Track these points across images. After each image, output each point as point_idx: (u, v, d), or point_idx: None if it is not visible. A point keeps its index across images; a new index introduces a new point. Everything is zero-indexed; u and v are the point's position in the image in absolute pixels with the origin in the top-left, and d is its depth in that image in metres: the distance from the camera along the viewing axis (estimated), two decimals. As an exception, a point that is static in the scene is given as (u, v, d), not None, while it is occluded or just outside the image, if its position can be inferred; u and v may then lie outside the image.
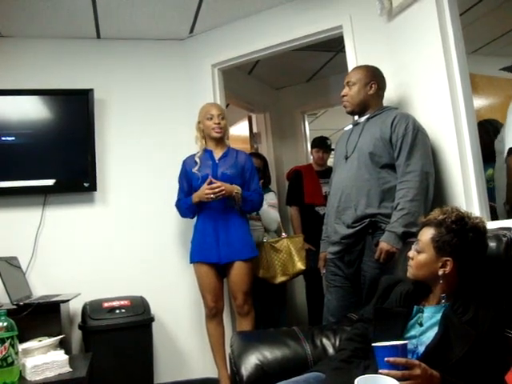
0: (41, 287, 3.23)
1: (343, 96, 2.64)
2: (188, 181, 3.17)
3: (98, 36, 3.67)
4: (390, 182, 2.43)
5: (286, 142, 5.22)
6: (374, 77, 2.63)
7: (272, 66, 4.41)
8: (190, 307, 3.55)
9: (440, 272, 1.58)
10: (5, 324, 1.95)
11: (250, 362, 1.76)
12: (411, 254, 1.67)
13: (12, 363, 1.92)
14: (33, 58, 3.56)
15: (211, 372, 3.34)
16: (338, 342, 2.03)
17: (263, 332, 2.31)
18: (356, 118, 2.75)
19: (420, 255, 1.63)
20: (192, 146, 3.32)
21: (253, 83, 4.95)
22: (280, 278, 3.40)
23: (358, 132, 2.60)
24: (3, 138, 3.33)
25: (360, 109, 2.63)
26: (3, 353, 1.90)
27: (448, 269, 1.57)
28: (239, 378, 1.74)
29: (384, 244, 2.31)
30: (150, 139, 3.67)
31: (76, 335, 3.21)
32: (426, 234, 1.63)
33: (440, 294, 1.61)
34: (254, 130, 5.14)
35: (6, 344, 1.90)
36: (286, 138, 5.23)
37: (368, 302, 2.01)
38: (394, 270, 2.08)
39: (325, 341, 2.05)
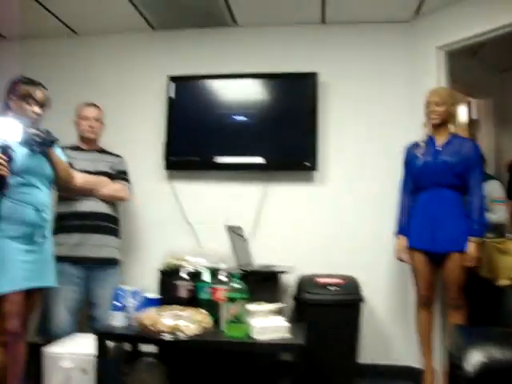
0: (260, 256, 3.47)
1: None
2: (409, 167, 3.12)
3: (323, 21, 3.77)
4: None
5: (510, 130, 4.75)
6: None
7: (500, 47, 4.02)
8: (399, 292, 3.52)
9: None
10: (238, 286, 2.18)
11: (475, 358, 1.68)
12: None
13: (242, 321, 2.15)
14: (262, 44, 3.85)
15: (413, 360, 3.29)
16: None
17: (486, 329, 2.18)
18: None
19: None
20: (411, 129, 3.26)
21: (476, 66, 4.57)
22: (504, 281, 3.14)
23: None
24: (236, 118, 3.69)
25: None
26: (236, 311, 2.14)
27: None
28: (461, 373, 1.68)
29: None
30: (369, 121, 3.68)
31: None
32: None
33: None
34: (473, 116, 4.81)
35: (239, 304, 2.14)
36: (511, 125, 4.76)
37: None
38: None
39: None
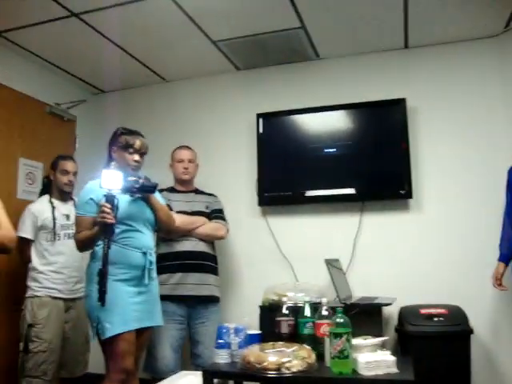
0: (357, 288, 3.43)
1: None
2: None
3: (406, 46, 3.73)
4: None
5: None
6: None
7: None
8: (509, 323, 3.30)
9: None
10: (341, 321, 2.15)
11: None
12: None
13: (347, 356, 2.10)
14: (346, 75, 3.86)
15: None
16: None
17: None
18: None
19: None
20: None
21: None
22: None
23: None
24: (326, 150, 3.70)
25: None
26: (341, 346, 2.10)
27: None
28: None
29: None
30: (464, 145, 3.54)
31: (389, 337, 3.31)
32: None
33: None
34: None
35: (344, 338, 2.10)
36: None
37: None
38: None
39: None
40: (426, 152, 3.60)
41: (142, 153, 2.62)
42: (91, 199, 2.49)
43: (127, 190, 2.41)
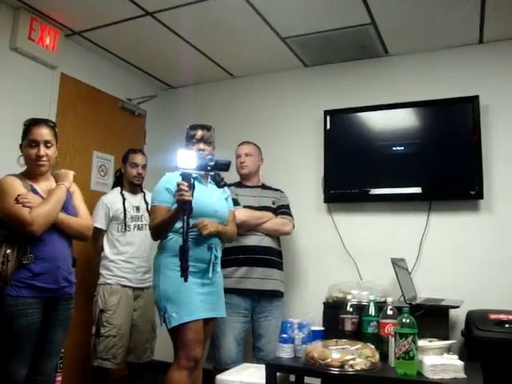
0: (423, 289, 3.36)
1: None
2: None
3: (481, 41, 3.60)
4: None
5: None
6: None
7: None
8: None
9: None
10: (408, 321, 2.12)
11: None
12: None
13: (413, 358, 2.07)
14: (416, 71, 3.78)
15: None
16: None
17: None
18: None
19: None
20: None
21: None
22: None
23: None
24: (394, 148, 3.64)
25: None
26: (406, 346, 2.07)
27: None
28: None
29: None
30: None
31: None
32: None
33: None
34: None
35: (409, 339, 2.07)
36: None
37: None
38: None
39: None
40: (498, 151, 3.46)
41: (205, 142, 2.74)
42: (167, 189, 2.58)
43: (202, 168, 2.45)
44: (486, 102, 3.49)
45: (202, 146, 2.72)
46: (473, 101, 3.45)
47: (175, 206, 2.45)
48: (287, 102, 4.17)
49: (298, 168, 4.02)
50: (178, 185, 2.35)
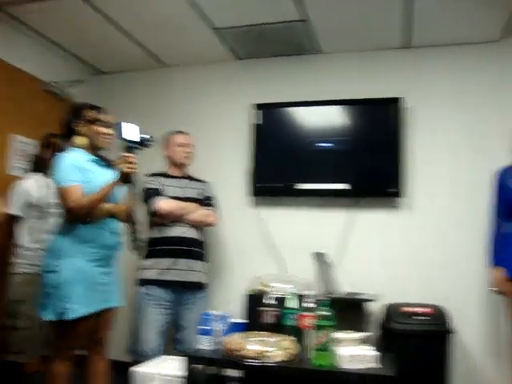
0: (343, 284, 3.41)
1: None
2: (503, 192, 2.97)
3: (408, 45, 3.72)
4: None
5: None
6: None
7: None
8: (490, 324, 3.34)
9: None
10: (326, 313, 2.15)
11: None
12: None
13: (330, 349, 2.11)
14: (345, 70, 3.86)
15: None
16: None
17: None
18: None
19: None
20: (501, 154, 3.13)
21: None
22: None
23: None
24: (321, 145, 3.70)
25: None
26: (324, 339, 2.10)
27: None
28: None
29: None
30: (457, 146, 3.57)
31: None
32: None
33: None
34: None
35: (327, 331, 2.10)
36: None
37: None
38: None
39: None
40: (420, 152, 3.61)
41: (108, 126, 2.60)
42: (76, 167, 2.44)
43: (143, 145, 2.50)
44: (412, 104, 3.62)
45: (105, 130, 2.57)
46: (397, 102, 3.57)
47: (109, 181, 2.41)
48: (217, 92, 4.14)
49: (226, 160, 4.00)
50: (125, 157, 2.36)
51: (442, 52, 3.69)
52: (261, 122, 3.86)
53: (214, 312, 2.49)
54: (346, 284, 3.40)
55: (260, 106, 3.88)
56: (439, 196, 3.55)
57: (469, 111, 3.59)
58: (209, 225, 3.40)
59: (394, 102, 3.58)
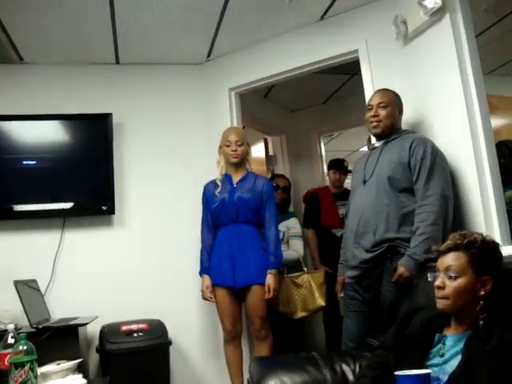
0: (59, 310, 3.24)
1: (374, 116, 2.60)
2: (208, 205, 3.19)
3: (117, 61, 3.74)
4: (408, 206, 2.41)
5: (302, 164, 5.19)
6: (400, 101, 2.66)
7: (288, 89, 4.41)
8: (208, 330, 3.55)
9: (482, 292, 1.55)
10: (25, 347, 1.94)
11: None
12: (442, 283, 1.59)
13: (31, 387, 1.92)
14: (52, 83, 3.63)
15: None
16: (357, 369, 2.00)
17: (282, 357, 2.29)
18: (374, 141, 2.76)
19: (457, 281, 1.56)
20: (211, 170, 3.35)
21: (268, 106, 4.96)
22: (300, 314, 3.36)
23: (376, 156, 2.60)
24: (25, 162, 3.40)
25: (389, 131, 2.61)
26: (23, 377, 1.90)
27: (489, 287, 1.55)
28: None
29: (402, 269, 2.30)
30: (168, 163, 3.71)
31: (93, 358, 3.20)
32: (460, 258, 1.58)
33: (475, 317, 1.56)
34: (270, 152, 5.16)
35: (26, 368, 1.90)
36: (302, 159, 5.20)
37: (387, 327, 1.98)
38: (413, 295, 2.06)
39: (344, 367, 2.02)
40: (131, 168, 3.64)
41: None
42: None
43: None
44: (121, 121, 3.62)
45: None
46: (107, 118, 3.52)
47: None
48: None
49: None
50: None
51: (150, 70, 3.79)
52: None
53: None
54: (61, 310, 3.22)
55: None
56: (150, 211, 3.62)
57: (178, 127, 3.78)
58: None
59: (104, 117, 3.51)
